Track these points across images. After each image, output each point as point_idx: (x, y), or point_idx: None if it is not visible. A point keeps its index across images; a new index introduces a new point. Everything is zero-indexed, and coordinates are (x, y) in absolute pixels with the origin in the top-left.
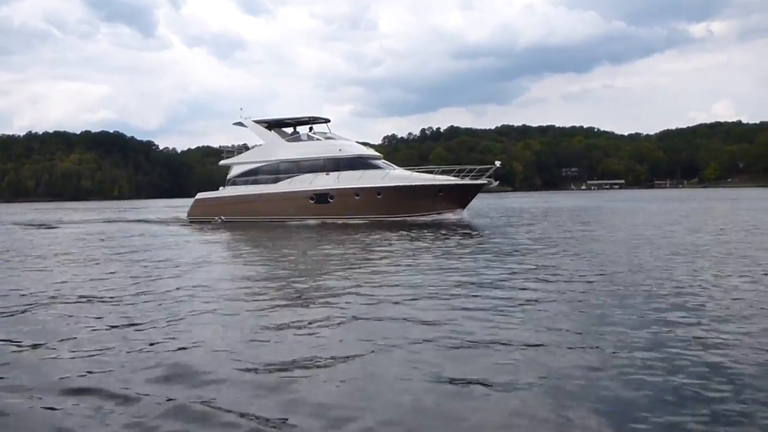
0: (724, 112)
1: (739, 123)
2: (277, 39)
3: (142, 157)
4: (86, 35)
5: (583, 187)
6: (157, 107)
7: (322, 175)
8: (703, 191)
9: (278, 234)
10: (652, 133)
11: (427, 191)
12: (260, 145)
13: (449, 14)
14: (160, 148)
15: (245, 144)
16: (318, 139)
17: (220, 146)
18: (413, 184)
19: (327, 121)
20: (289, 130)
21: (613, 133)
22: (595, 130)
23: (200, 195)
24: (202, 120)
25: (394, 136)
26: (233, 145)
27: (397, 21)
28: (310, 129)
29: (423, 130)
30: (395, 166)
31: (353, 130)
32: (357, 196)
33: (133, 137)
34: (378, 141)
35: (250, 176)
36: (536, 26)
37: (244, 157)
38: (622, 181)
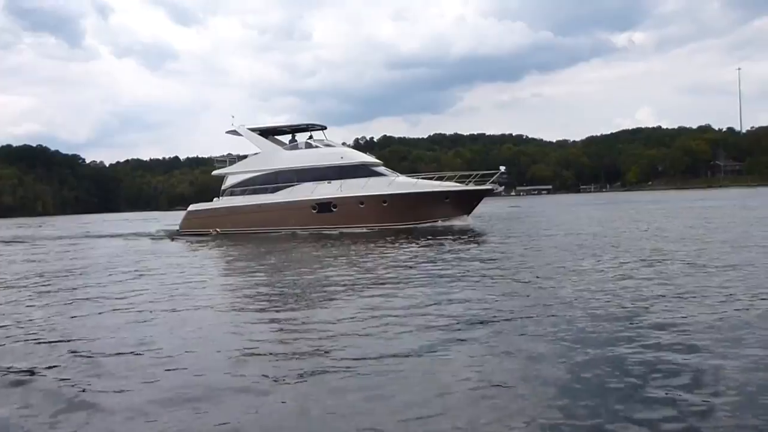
0: (646, 118)
1: (658, 128)
2: (210, 49)
3: (68, 172)
4: (8, 45)
5: (513, 193)
6: (86, 120)
7: (324, 184)
8: (623, 194)
9: (280, 247)
10: (578, 139)
11: (434, 198)
12: (256, 153)
13: (382, 25)
14: (87, 161)
15: (238, 153)
16: (317, 147)
17: (214, 156)
18: (422, 191)
19: (323, 128)
20: (285, 138)
21: (541, 140)
22: (524, 137)
23: (193, 207)
24: (133, 132)
25: None
26: (227, 154)
27: (331, 31)
28: (310, 137)
29: (357, 140)
30: (398, 174)
31: (287, 140)
32: (361, 204)
33: (57, 151)
34: None
35: (248, 186)
36: (467, 37)
37: (239, 166)
38: (550, 187)
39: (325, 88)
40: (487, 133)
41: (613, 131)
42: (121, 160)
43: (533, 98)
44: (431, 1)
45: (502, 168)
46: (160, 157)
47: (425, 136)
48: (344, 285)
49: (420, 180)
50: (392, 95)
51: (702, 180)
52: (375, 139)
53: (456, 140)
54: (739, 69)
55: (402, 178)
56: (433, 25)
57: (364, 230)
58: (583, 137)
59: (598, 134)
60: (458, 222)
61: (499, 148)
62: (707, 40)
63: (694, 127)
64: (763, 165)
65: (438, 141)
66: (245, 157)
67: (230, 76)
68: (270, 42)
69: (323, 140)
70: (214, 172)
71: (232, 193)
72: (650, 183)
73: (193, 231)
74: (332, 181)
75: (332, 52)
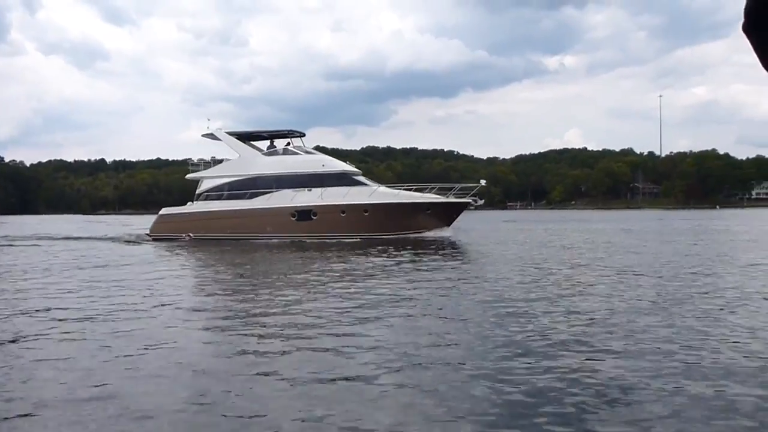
0: (573, 139)
1: (584, 150)
2: (143, 51)
3: None
4: None
5: None
6: (8, 117)
7: (304, 191)
8: (548, 213)
9: (256, 255)
10: (508, 157)
11: (416, 209)
12: (233, 158)
13: (320, 35)
14: (6, 160)
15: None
16: (298, 153)
17: (189, 160)
18: (404, 201)
19: (302, 135)
20: (262, 144)
21: (472, 156)
22: (456, 153)
23: (165, 210)
24: (58, 132)
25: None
26: (203, 159)
27: (268, 39)
28: (288, 144)
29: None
30: (379, 184)
31: (221, 146)
32: (343, 213)
33: None
34: None
35: (224, 191)
36: (404, 52)
37: (216, 170)
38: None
39: (261, 96)
40: (420, 148)
41: (542, 151)
42: (44, 161)
43: (467, 115)
44: (370, 14)
45: (482, 181)
46: (86, 159)
47: (358, 148)
48: (320, 313)
49: (401, 191)
50: (328, 106)
51: (622, 201)
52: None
53: (388, 153)
54: (660, 96)
55: (383, 189)
56: (371, 39)
57: (345, 240)
58: (513, 155)
59: (527, 153)
60: (438, 233)
61: (431, 163)
62: (633, 67)
63: (618, 149)
64: (678, 188)
65: (370, 153)
66: (221, 161)
67: (163, 80)
68: (206, 46)
69: (301, 147)
70: (189, 176)
71: (207, 198)
72: (573, 202)
73: (164, 235)
74: (312, 189)
75: (269, 59)
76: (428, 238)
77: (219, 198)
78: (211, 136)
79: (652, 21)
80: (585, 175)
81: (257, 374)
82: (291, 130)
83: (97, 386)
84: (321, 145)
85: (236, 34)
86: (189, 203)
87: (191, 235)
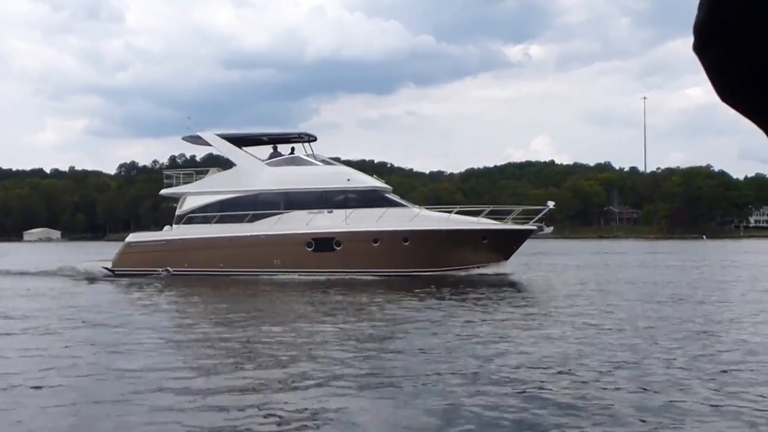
0: (540, 150)
1: (551, 163)
2: None
3: None
4: None
5: None
6: None
7: (323, 213)
8: None
9: (261, 299)
10: (456, 171)
11: (470, 237)
12: (227, 169)
13: (219, 11)
14: None
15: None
16: (312, 163)
17: (160, 166)
18: (457, 228)
19: (313, 139)
20: (256, 150)
21: (411, 170)
22: (388, 165)
23: (134, 237)
24: None
25: (134, 164)
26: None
27: (151, 14)
28: (292, 149)
29: (173, 158)
30: (419, 206)
31: (86, 153)
32: (375, 242)
33: None
34: (113, 170)
35: (215, 212)
36: (328, 34)
37: (204, 184)
38: None
39: (140, 87)
40: (343, 158)
41: (499, 164)
42: None
43: (407, 117)
44: None
45: (551, 204)
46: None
47: (263, 157)
48: None
49: (452, 215)
50: (229, 101)
51: (594, 229)
52: (197, 158)
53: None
54: (644, 98)
55: (426, 212)
56: (285, 16)
57: (378, 277)
58: (462, 169)
59: (480, 167)
60: (495, 269)
61: None
62: (614, 61)
63: (593, 164)
64: (660, 214)
65: (274, 164)
66: (204, 172)
67: (9, 64)
68: (67, 22)
69: (312, 155)
70: (165, 191)
71: (191, 221)
72: None
73: (132, 270)
74: (334, 211)
75: (151, 40)
76: (490, 277)
77: (208, 221)
78: (196, 139)
79: (637, 5)
80: (549, 195)
81: None
82: (301, 134)
83: None
84: (215, 153)
85: (108, 6)
86: (167, 227)
87: (170, 269)
